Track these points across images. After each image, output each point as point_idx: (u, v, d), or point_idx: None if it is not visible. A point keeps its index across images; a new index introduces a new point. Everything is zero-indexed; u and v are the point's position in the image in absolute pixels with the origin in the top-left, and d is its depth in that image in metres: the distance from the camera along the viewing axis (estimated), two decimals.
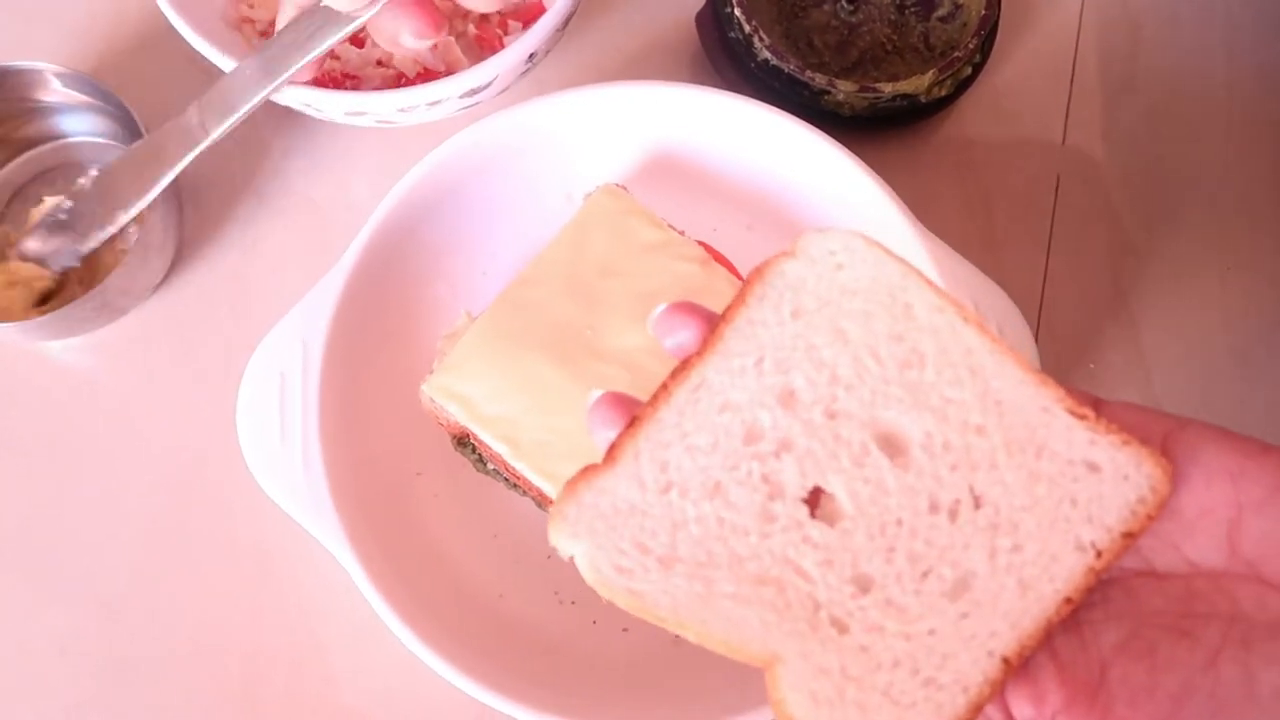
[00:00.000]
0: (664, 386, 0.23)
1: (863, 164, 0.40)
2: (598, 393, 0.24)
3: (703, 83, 0.42)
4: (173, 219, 0.44)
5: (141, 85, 0.45)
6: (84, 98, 0.45)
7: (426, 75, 0.45)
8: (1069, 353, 0.46)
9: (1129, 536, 0.21)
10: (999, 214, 0.48)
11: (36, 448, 0.44)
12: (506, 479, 0.42)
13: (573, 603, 0.41)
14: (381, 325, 0.42)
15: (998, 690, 0.21)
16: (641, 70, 0.49)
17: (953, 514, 0.22)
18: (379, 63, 0.46)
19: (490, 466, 0.42)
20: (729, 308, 0.23)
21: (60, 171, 0.46)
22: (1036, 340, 0.41)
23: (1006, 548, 0.22)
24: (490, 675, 0.36)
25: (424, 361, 0.41)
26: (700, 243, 0.40)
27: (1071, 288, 0.47)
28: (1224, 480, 0.21)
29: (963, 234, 0.45)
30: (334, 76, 0.45)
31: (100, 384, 0.45)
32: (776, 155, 0.42)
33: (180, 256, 0.46)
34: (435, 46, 0.44)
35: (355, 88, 0.45)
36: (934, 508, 0.22)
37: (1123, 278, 0.47)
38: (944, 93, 0.46)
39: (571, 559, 0.23)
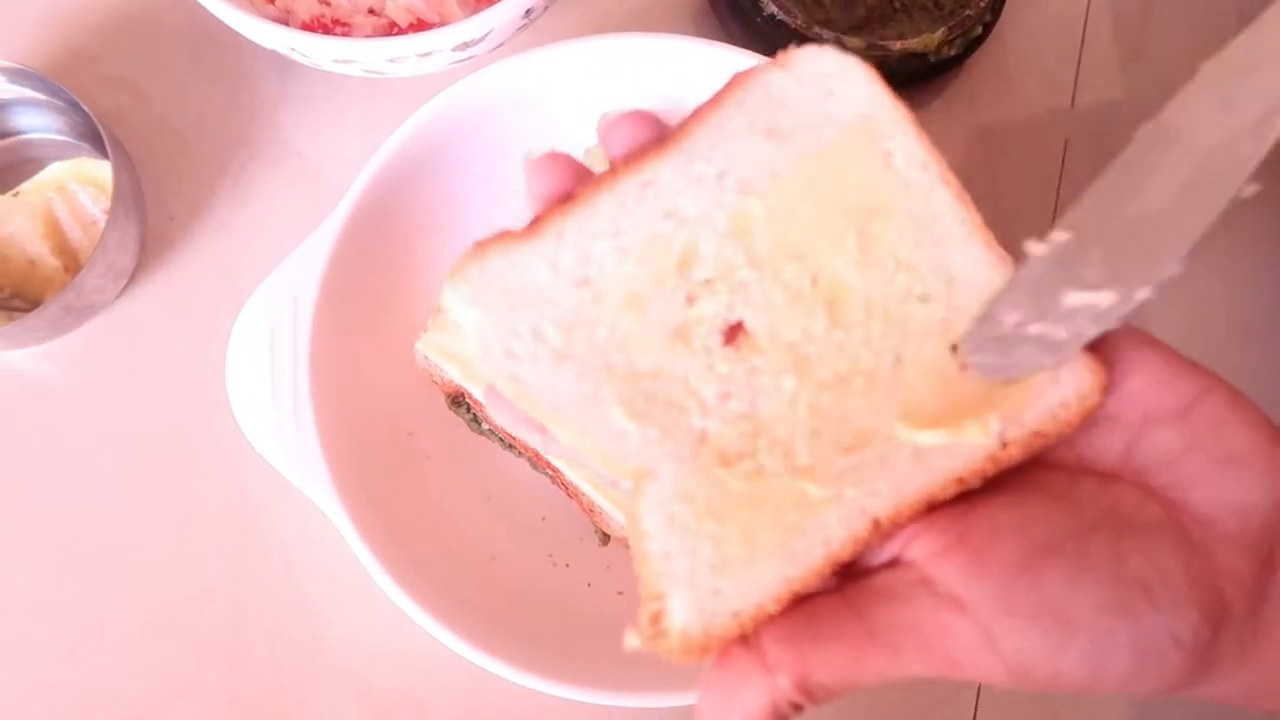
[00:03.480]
0: (611, 171, 0.21)
1: None
2: (544, 149, 0.22)
3: (707, 38, 0.41)
4: (134, 218, 0.42)
5: (98, 82, 0.44)
6: (35, 94, 0.43)
7: (419, 26, 0.44)
8: None
9: (1040, 436, 0.20)
10: (1005, 176, 0.47)
11: (25, 403, 0.43)
12: (501, 439, 0.41)
13: (567, 565, 0.41)
14: (375, 281, 0.41)
15: (860, 549, 0.20)
16: (643, 25, 0.47)
17: (870, 378, 0.21)
18: (370, 10, 0.44)
19: (485, 427, 0.42)
20: (701, 107, 0.21)
21: (13, 170, 0.44)
22: None
23: (912, 415, 0.21)
24: (482, 636, 0.35)
25: (418, 319, 0.41)
26: None
27: None
28: (1139, 388, 0.21)
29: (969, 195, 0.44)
30: (323, 23, 0.44)
31: (86, 342, 0.44)
32: None
33: (166, 215, 0.45)
34: None
35: (345, 35, 0.44)
36: (853, 368, 0.21)
37: None
38: (953, 52, 0.44)
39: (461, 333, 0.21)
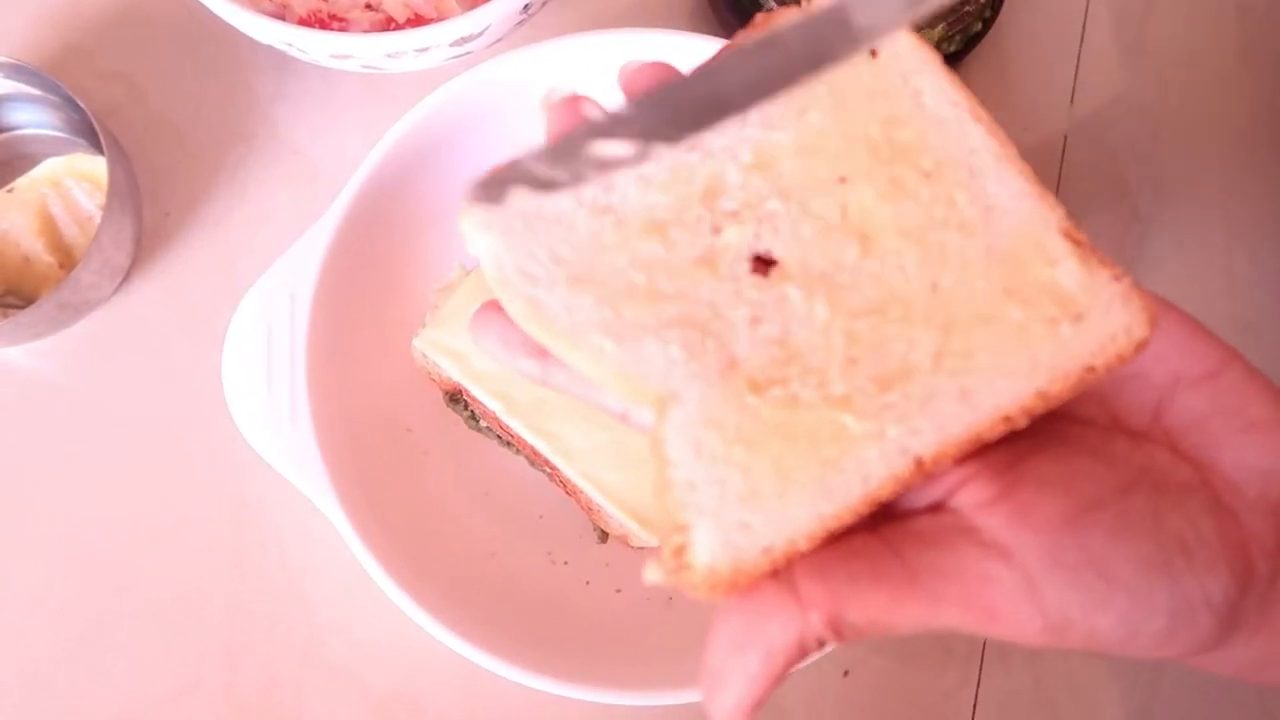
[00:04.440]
0: None
1: None
2: (564, 91, 0.22)
3: (704, 33, 0.41)
4: (129, 214, 0.42)
5: (94, 77, 0.44)
6: (30, 89, 0.43)
7: (417, 21, 0.44)
8: None
9: (1091, 371, 0.20)
10: None
11: (19, 400, 0.43)
12: (499, 436, 0.41)
13: (565, 563, 0.41)
14: (372, 278, 0.41)
15: (901, 490, 0.19)
16: (641, 20, 0.47)
17: (907, 305, 0.20)
18: (367, 6, 0.44)
19: (482, 423, 0.42)
20: (724, 48, 0.21)
21: (8, 166, 0.44)
22: None
23: (957, 350, 0.20)
24: (480, 633, 0.35)
25: (416, 315, 0.41)
26: None
27: None
28: (1169, 349, 0.21)
29: None
30: (320, 18, 0.43)
31: (81, 339, 0.44)
32: None
33: (162, 211, 0.45)
34: None
35: (342, 30, 0.43)
36: (888, 297, 0.20)
37: (1127, 243, 0.46)
38: (953, 49, 0.44)
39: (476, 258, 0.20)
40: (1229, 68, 0.48)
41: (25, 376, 0.43)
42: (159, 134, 0.46)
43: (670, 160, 0.20)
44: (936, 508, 0.20)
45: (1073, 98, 0.48)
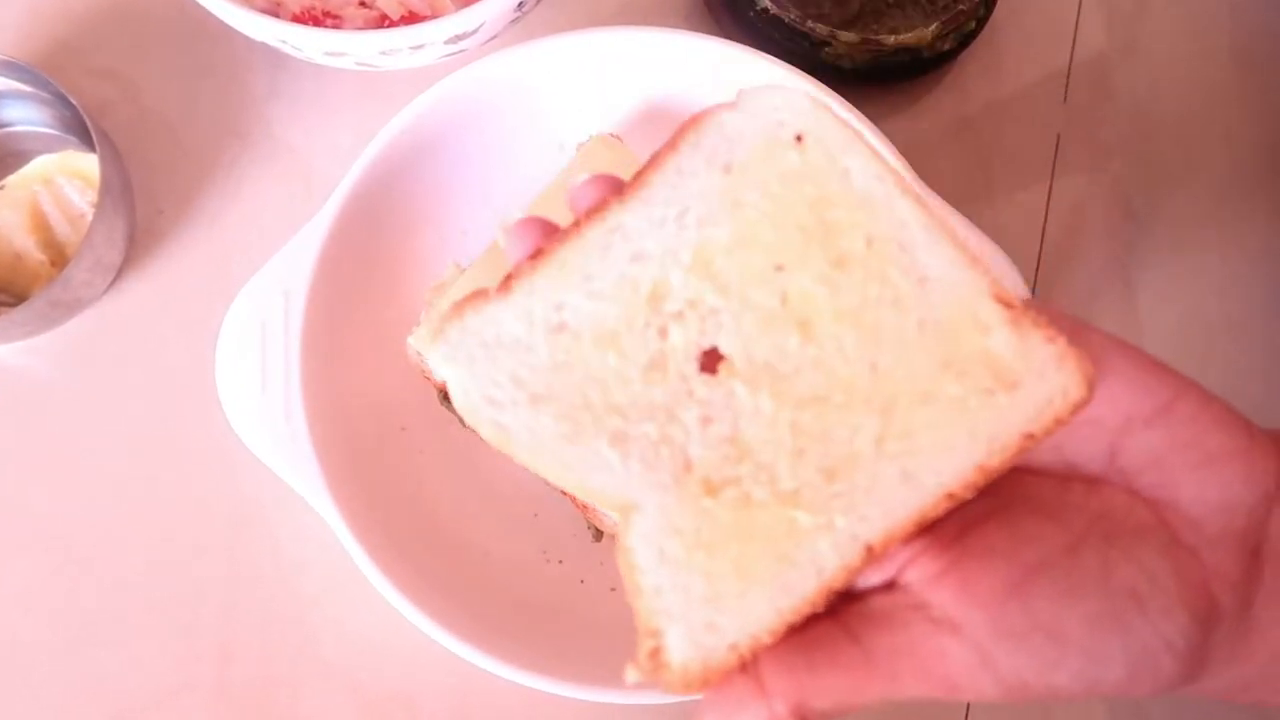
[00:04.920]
0: (576, 224, 0.22)
1: (862, 117, 0.39)
2: (519, 215, 0.23)
3: (699, 31, 0.41)
4: (122, 212, 0.41)
5: (87, 73, 0.44)
6: (21, 86, 0.42)
7: (411, 19, 0.44)
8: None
9: (1030, 438, 0.20)
10: (998, 172, 0.47)
11: (11, 398, 0.43)
12: None
13: (560, 562, 0.41)
14: (366, 276, 0.40)
15: (853, 576, 0.20)
16: (635, 18, 0.47)
17: (848, 390, 0.21)
18: (362, 3, 0.44)
19: None
20: (658, 153, 0.22)
21: (0, 163, 0.44)
22: (1034, 298, 0.41)
23: (898, 432, 0.21)
24: (475, 632, 0.35)
25: (410, 314, 0.41)
26: None
27: (1068, 249, 0.46)
28: (1120, 389, 0.21)
29: (961, 191, 0.45)
30: (314, 14, 0.43)
31: (73, 336, 0.43)
32: None
33: (155, 208, 0.45)
34: None
35: (336, 27, 0.43)
36: (830, 383, 0.21)
37: (1121, 241, 0.46)
38: (947, 47, 0.44)
39: (444, 384, 0.22)
40: (1222, 66, 0.49)
41: (17, 374, 0.43)
42: (152, 131, 0.45)
43: (616, 272, 0.21)
44: (889, 585, 0.21)
45: (1066, 96, 0.48)
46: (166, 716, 0.40)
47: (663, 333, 0.21)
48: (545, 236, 0.22)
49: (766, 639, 0.20)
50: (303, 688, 0.40)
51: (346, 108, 0.46)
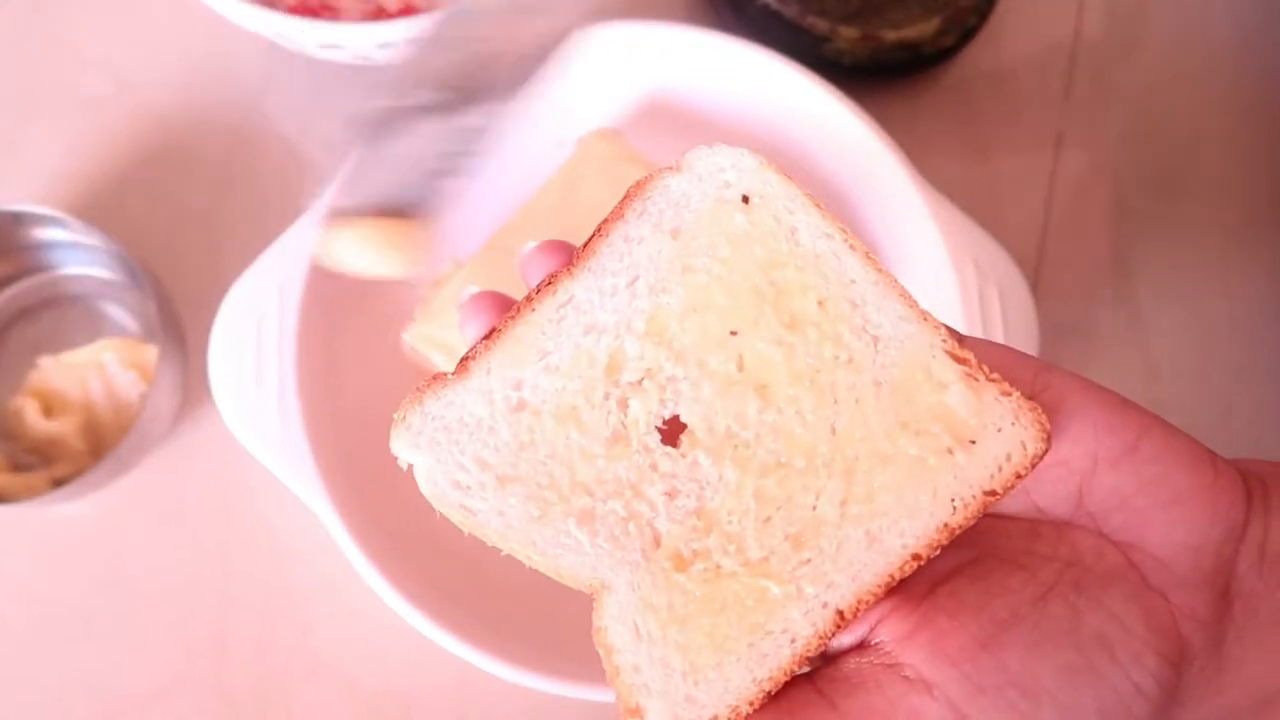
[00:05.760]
0: (528, 299, 0.22)
1: (863, 113, 0.39)
2: (473, 289, 0.23)
3: (701, 26, 0.41)
4: (177, 359, 0.40)
5: (124, 220, 0.43)
6: (67, 235, 0.42)
7: (408, 10, 0.43)
8: (1065, 312, 0.45)
9: (991, 494, 0.20)
10: (999, 168, 0.47)
11: None
12: None
13: None
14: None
15: (825, 642, 0.21)
16: (637, 13, 0.47)
17: (809, 454, 0.21)
18: None
19: None
20: (605, 221, 0.22)
21: (48, 307, 0.43)
22: (1035, 297, 0.40)
23: (860, 495, 0.21)
24: (469, 630, 0.35)
25: (406, 309, 0.40)
26: None
27: (1070, 246, 0.46)
28: (1084, 432, 0.21)
29: (962, 187, 0.44)
30: (310, 7, 0.43)
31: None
32: (773, 103, 0.41)
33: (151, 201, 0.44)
34: None
35: (333, 19, 0.43)
36: (791, 448, 0.21)
37: (1122, 239, 0.46)
38: (948, 43, 0.44)
39: (410, 468, 0.21)
40: (1222, 62, 0.48)
41: None
42: (145, 125, 0.45)
43: (571, 346, 0.21)
44: (861, 646, 0.21)
45: (1067, 92, 0.48)
46: (162, 713, 0.39)
47: (623, 405, 0.21)
48: (499, 312, 0.22)
49: (745, 709, 0.20)
50: (297, 685, 0.40)
51: (342, 100, 0.46)
